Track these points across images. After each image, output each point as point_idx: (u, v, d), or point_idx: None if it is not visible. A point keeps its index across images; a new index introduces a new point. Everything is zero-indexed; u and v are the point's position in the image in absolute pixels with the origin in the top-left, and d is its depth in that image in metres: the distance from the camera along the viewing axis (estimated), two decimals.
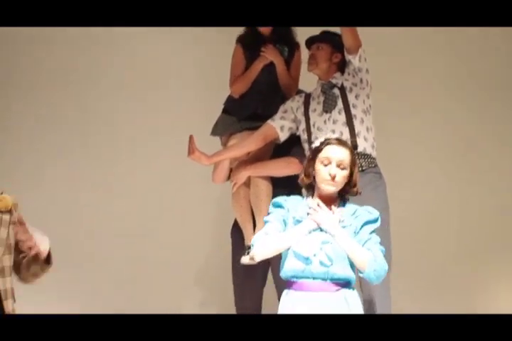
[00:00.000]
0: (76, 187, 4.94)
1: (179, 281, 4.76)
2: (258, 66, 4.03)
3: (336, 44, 3.91)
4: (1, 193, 2.90)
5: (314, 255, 2.94)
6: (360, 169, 3.66)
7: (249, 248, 3.62)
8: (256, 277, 3.82)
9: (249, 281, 3.90)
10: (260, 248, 3.01)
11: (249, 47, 4.04)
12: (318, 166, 3.05)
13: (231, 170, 4.02)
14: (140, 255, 4.84)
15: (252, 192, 3.87)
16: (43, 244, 2.87)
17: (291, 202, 3.10)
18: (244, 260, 3.59)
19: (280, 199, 3.14)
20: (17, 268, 2.97)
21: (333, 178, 3.01)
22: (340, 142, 3.08)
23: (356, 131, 3.74)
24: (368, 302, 3.57)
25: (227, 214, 4.14)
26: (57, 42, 5.01)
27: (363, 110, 3.80)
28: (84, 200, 4.91)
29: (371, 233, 3.01)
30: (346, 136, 3.71)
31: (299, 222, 3.03)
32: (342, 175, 3.03)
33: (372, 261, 2.92)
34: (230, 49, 4.11)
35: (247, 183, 3.90)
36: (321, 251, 2.94)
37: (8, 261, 2.90)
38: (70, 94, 5.02)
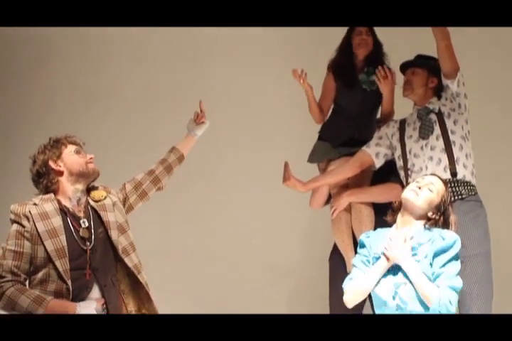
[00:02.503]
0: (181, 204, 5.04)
1: (269, 304, 4.74)
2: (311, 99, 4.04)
3: (431, 68, 3.85)
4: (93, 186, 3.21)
5: (393, 298, 2.94)
6: (460, 197, 3.60)
7: None
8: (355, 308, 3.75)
9: (346, 312, 3.84)
10: (348, 295, 3.06)
11: (340, 74, 4.03)
12: (410, 184, 3.12)
13: (329, 196, 4.01)
14: (232, 278, 4.87)
15: (355, 217, 3.85)
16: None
17: (373, 238, 3.11)
18: None
19: (363, 236, 3.16)
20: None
21: (418, 188, 3.03)
22: (437, 175, 3.18)
23: (455, 158, 3.66)
24: None
25: (321, 239, 4.13)
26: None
27: (462, 136, 3.72)
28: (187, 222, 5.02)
29: (444, 265, 2.93)
30: (445, 162, 3.65)
31: (377, 259, 3.03)
32: (428, 194, 3.04)
33: (436, 301, 2.86)
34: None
35: (347, 209, 3.89)
36: (397, 295, 2.94)
37: (125, 240, 3.13)
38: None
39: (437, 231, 3.02)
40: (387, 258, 2.96)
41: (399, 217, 3.11)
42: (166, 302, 4.59)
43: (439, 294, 2.86)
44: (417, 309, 2.89)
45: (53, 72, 5.36)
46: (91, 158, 3.14)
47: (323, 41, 4.26)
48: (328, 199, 4.04)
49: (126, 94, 5.26)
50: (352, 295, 3.04)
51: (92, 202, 3.14)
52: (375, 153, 3.87)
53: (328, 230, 3.95)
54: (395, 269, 2.98)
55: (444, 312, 2.84)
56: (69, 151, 3.12)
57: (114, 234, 3.10)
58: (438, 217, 3.06)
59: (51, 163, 3.08)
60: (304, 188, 3.91)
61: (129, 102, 5.24)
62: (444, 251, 2.95)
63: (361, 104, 4.01)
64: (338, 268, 3.86)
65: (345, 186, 3.94)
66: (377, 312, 3.00)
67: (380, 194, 3.82)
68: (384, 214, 3.33)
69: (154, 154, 4.80)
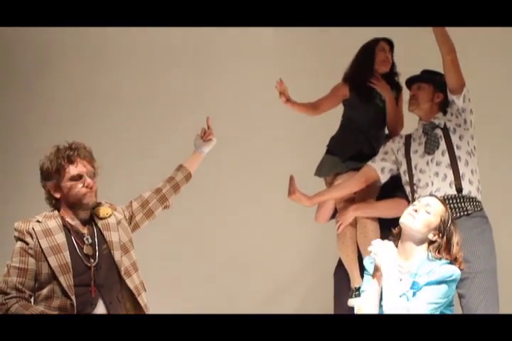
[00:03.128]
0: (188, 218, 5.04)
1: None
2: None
3: (437, 83, 3.85)
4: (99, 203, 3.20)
5: None
6: (466, 213, 3.59)
7: (356, 290, 3.62)
8: None
9: None
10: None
11: (358, 88, 3.99)
12: (408, 207, 3.09)
13: (335, 210, 4.01)
14: (236, 290, 4.88)
15: (360, 232, 3.83)
16: None
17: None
18: (352, 302, 3.57)
19: (367, 262, 3.15)
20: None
21: (414, 211, 3.00)
22: (435, 196, 3.15)
23: (461, 174, 3.65)
24: None
25: (326, 253, 4.12)
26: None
27: (468, 152, 3.72)
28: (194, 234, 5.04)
29: (424, 287, 2.91)
30: (450, 178, 3.65)
31: None
32: (424, 216, 3.00)
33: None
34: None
35: (353, 224, 3.87)
36: None
37: (127, 260, 3.11)
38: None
39: (438, 264, 2.97)
40: (377, 269, 2.96)
41: (400, 244, 3.08)
42: (167, 308, 4.64)
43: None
44: None
45: (54, 73, 5.35)
46: (91, 188, 3.08)
47: (330, 43, 4.24)
48: (334, 214, 4.03)
49: (127, 95, 5.26)
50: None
51: (96, 219, 3.14)
52: (380, 168, 3.87)
53: (334, 245, 3.94)
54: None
55: None
56: (67, 178, 3.06)
57: (117, 255, 3.10)
58: (440, 238, 3.02)
59: (51, 190, 3.10)
60: (309, 202, 3.91)
61: (130, 103, 5.25)
62: (434, 283, 2.91)
63: (373, 119, 4.01)
64: (342, 283, 3.85)
65: (351, 201, 3.93)
66: None
67: (386, 209, 3.81)
68: (389, 229, 3.32)
69: (154, 154, 4.91)
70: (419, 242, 3.03)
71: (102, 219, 3.14)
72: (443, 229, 3.02)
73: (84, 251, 3.04)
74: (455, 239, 3.04)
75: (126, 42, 5.25)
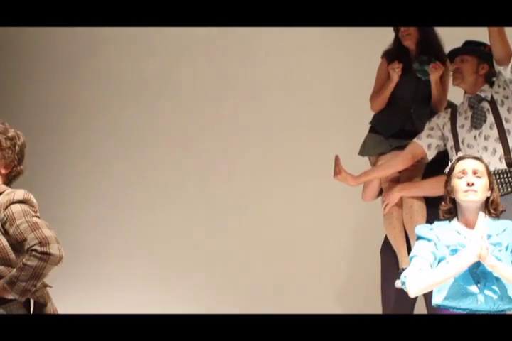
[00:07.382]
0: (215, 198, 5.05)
1: (319, 299, 4.73)
2: (391, 85, 3.92)
3: (481, 55, 3.75)
4: None
5: (479, 289, 2.84)
6: None
7: (404, 270, 3.56)
8: (407, 302, 3.69)
9: (399, 305, 3.81)
10: (416, 285, 2.87)
11: (393, 61, 3.94)
12: (454, 182, 2.95)
13: (381, 189, 3.97)
14: (279, 268, 4.88)
15: (406, 212, 3.79)
16: None
17: (439, 230, 2.96)
18: (399, 283, 3.52)
19: (424, 229, 2.99)
20: None
21: (471, 185, 2.89)
22: (472, 156, 3.05)
23: (510, 147, 3.57)
24: None
25: (373, 231, 4.11)
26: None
27: None
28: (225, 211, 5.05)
29: None
30: (500, 152, 3.57)
31: (454, 251, 2.88)
32: (481, 183, 2.91)
33: None
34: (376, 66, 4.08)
35: (399, 204, 3.83)
36: (485, 285, 2.84)
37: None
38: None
39: (502, 221, 2.92)
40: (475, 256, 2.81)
41: (460, 217, 2.95)
42: (207, 301, 4.67)
43: None
44: (506, 303, 2.83)
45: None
46: None
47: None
48: (381, 192, 4.00)
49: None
50: (422, 286, 2.87)
51: None
52: (426, 144, 3.79)
53: (379, 225, 3.91)
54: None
55: None
56: None
57: None
58: (493, 192, 2.94)
59: None
60: (354, 182, 3.87)
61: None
62: None
63: (415, 94, 3.94)
64: (390, 260, 3.83)
65: (396, 180, 3.89)
66: (458, 301, 2.86)
67: (432, 188, 3.71)
68: (435, 208, 3.22)
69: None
70: (481, 206, 2.95)
71: None
72: (492, 181, 2.96)
73: None
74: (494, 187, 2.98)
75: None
